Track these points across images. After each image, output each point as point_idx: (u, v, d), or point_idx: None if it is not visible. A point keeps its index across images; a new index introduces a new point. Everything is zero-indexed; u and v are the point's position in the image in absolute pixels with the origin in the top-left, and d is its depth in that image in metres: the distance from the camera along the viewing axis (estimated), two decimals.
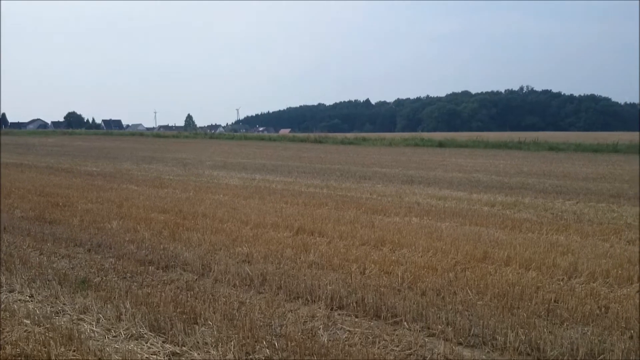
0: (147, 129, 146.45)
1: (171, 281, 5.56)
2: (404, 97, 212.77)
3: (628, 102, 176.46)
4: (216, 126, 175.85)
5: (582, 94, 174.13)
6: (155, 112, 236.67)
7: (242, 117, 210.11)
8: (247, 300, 4.95)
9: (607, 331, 4.22)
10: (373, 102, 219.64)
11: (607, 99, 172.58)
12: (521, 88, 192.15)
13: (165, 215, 9.13)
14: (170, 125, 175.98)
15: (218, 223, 8.37)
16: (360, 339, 4.12)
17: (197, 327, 4.31)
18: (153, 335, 4.20)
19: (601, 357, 3.79)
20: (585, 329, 4.28)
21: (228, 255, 6.48)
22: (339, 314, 4.67)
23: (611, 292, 5.23)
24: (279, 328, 4.28)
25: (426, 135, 53.90)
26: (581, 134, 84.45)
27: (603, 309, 4.71)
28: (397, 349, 3.97)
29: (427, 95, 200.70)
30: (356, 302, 4.81)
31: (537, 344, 3.95)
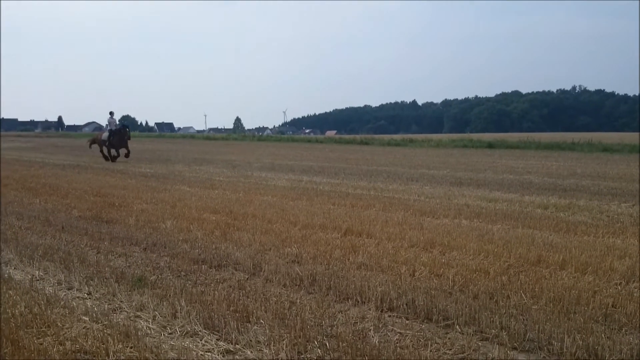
0: (198, 131, 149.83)
1: (223, 280, 5.67)
2: (451, 97, 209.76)
3: None
4: (264, 128, 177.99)
5: (637, 94, 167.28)
6: (205, 115, 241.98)
7: (288, 119, 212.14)
8: (298, 300, 5.00)
9: None
10: (420, 103, 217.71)
11: None
12: (573, 88, 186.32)
13: (216, 215, 9.32)
14: (219, 127, 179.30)
15: (267, 224, 8.48)
16: (411, 341, 4.09)
17: (249, 325, 4.38)
18: (207, 332, 4.30)
19: None
20: None
21: (278, 256, 6.55)
22: (389, 316, 4.65)
23: None
24: (329, 328, 4.30)
25: (475, 136, 52.90)
26: (636, 134, 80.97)
27: None
28: (450, 352, 3.93)
29: (476, 96, 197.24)
30: (406, 304, 4.79)
31: (595, 349, 3.83)
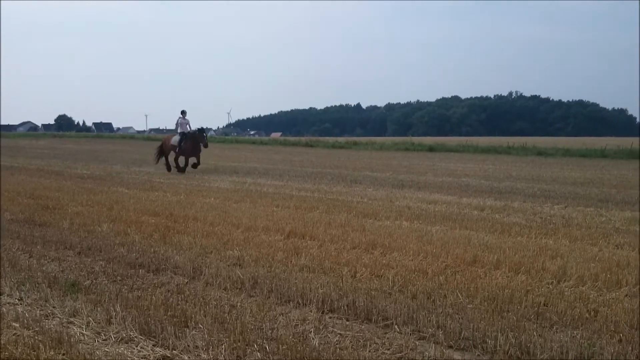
0: (138, 132, 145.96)
1: (162, 284, 5.55)
2: (394, 101, 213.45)
3: (616, 108, 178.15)
4: (207, 129, 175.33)
5: (571, 100, 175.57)
6: (146, 115, 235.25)
7: (233, 120, 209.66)
8: (238, 304, 4.95)
9: (596, 335, 4.25)
10: (364, 106, 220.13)
11: (595, 105, 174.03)
12: (510, 93, 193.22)
13: (155, 218, 9.11)
14: (161, 128, 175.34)
15: (209, 226, 8.36)
16: (351, 342, 4.13)
17: (187, 330, 4.30)
18: (143, 338, 4.19)
19: None
20: (575, 332, 4.31)
21: (219, 259, 6.47)
22: (330, 318, 4.68)
23: (600, 295, 5.27)
24: (270, 331, 4.28)
25: (416, 139, 54.04)
26: (569, 139, 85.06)
27: (592, 313, 4.74)
28: (388, 352, 3.99)
29: (418, 100, 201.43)
30: (347, 306, 4.83)
31: (527, 347, 3.98)
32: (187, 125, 19.15)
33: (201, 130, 18.95)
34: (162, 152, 19.48)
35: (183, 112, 19.31)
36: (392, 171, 20.57)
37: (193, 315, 4.55)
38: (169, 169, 19.09)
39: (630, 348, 3.97)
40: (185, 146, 18.60)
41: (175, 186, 14.20)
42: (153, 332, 4.26)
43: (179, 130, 19.04)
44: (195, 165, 18.95)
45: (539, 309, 4.79)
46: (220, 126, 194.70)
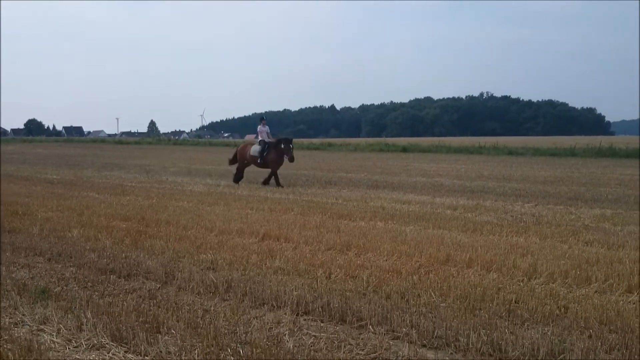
0: (109, 135, 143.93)
1: (133, 290, 5.46)
2: (368, 102, 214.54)
3: (585, 107, 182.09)
4: (180, 132, 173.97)
5: (540, 100, 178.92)
6: (117, 119, 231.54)
7: (206, 123, 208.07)
8: (212, 308, 4.91)
9: (566, 331, 4.32)
10: (338, 107, 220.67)
11: (565, 104, 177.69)
12: (481, 94, 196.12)
13: (127, 223, 8.97)
14: (132, 131, 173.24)
15: (182, 230, 8.28)
16: (325, 343, 4.12)
17: (159, 336, 4.24)
18: (115, 345, 4.12)
19: (561, 356, 3.87)
20: (546, 329, 4.38)
21: (192, 263, 6.40)
22: (305, 320, 4.67)
23: (570, 292, 5.36)
24: (244, 335, 4.25)
25: (390, 140, 54.53)
26: (539, 138, 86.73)
27: (562, 309, 4.81)
28: (363, 352, 3.99)
29: (391, 101, 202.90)
30: (322, 307, 4.82)
31: (499, 344, 4.03)
32: (267, 134, 16.48)
33: (287, 141, 15.83)
34: (236, 162, 16.97)
35: (262, 119, 16.94)
36: (367, 172, 20.66)
37: (165, 321, 4.50)
38: (238, 179, 16.42)
39: (600, 344, 4.04)
40: (270, 158, 15.83)
41: (147, 190, 14.01)
42: (124, 339, 4.19)
43: (259, 139, 16.44)
44: (267, 181, 16.00)
45: (510, 306, 4.85)
46: (193, 129, 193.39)
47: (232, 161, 17.23)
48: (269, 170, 16.02)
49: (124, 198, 12.29)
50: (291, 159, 15.57)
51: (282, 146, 15.64)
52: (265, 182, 15.86)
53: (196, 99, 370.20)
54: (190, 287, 5.52)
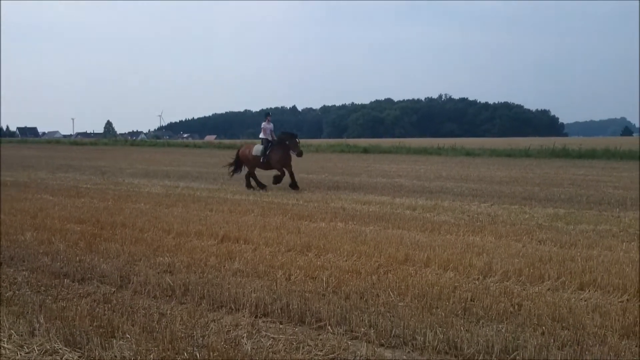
0: (64, 136, 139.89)
1: (87, 294, 5.33)
2: (329, 104, 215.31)
3: (539, 109, 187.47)
4: (138, 133, 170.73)
5: (497, 102, 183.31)
6: (72, 119, 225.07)
7: (165, 123, 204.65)
8: (168, 312, 4.82)
9: (520, 328, 4.41)
10: (300, 108, 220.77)
11: (520, 106, 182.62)
12: (440, 96, 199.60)
13: (81, 225, 8.74)
14: (88, 132, 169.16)
15: (138, 233, 8.12)
16: (284, 345, 4.11)
17: (114, 340, 4.14)
18: (68, 350, 4.01)
19: (515, 353, 3.94)
20: (500, 326, 4.47)
21: (148, 266, 6.29)
22: (264, 322, 4.64)
23: (524, 290, 5.49)
24: (201, 339, 4.19)
25: (351, 141, 54.85)
26: (496, 139, 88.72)
27: (516, 307, 4.92)
28: (321, 353, 3.99)
29: (352, 103, 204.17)
30: (281, 309, 4.80)
31: (455, 342, 4.09)
32: (271, 132, 15.19)
33: (292, 137, 14.85)
34: (239, 165, 15.59)
35: (267, 115, 15.54)
36: (328, 173, 20.73)
37: (120, 325, 4.40)
38: (249, 185, 14.99)
39: (552, 340, 4.14)
40: (273, 156, 14.66)
41: (102, 192, 13.69)
42: (78, 344, 4.08)
43: (261, 136, 15.26)
44: (279, 179, 14.76)
45: (466, 304, 4.94)
46: (152, 129, 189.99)
47: (236, 169, 15.60)
48: (269, 171, 15.24)
49: (79, 200, 11.98)
50: (299, 154, 14.63)
51: (288, 142, 14.63)
52: (293, 185, 14.51)
53: (154, 99, 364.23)
54: (147, 290, 5.41)
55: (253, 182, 15.00)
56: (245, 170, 15.47)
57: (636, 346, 4.07)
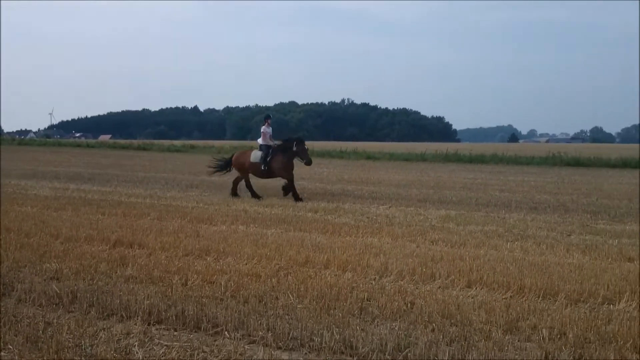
0: None
1: None
2: (233, 105, 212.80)
3: (434, 116, 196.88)
4: (26, 132, 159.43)
5: (396, 108, 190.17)
6: None
7: (56, 121, 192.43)
8: (55, 321, 4.54)
9: (412, 325, 4.60)
10: (202, 109, 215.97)
11: (417, 113, 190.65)
12: (343, 100, 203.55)
13: None
14: None
15: (24, 237, 7.58)
16: (178, 352, 3.99)
17: None
18: None
19: (407, 350, 4.08)
20: (394, 324, 4.63)
21: (34, 273, 5.89)
22: (157, 329, 4.49)
23: (416, 288, 5.72)
24: (89, 348, 3.98)
25: (256, 143, 54.41)
26: (394, 144, 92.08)
27: (409, 305, 5.11)
28: (217, 359, 3.92)
29: (257, 104, 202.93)
30: (176, 315, 4.66)
31: (351, 341, 4.18)
32: (270, 136, 13.83)
33: (300, 142, 13.45)
34: (225, 167, 14.43)
35: (267, 118, 14.30)
36: (230, 175, 20.42)
37: (2, 336, 4.14)
38: (254, 195, 13.45)
39: (441, 336, 4.34)
40: (275, 164, 13.32)
41: None
42: None
43: (260, 142, 13.88)
44: (288, 189, 13.36)
45: (363, 304, 5.07)
46: (41, 128, 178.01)
47: (221, 169, 14.44)
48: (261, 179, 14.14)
49: None
50: (308, 162, 13.42)
51: (295, 149, 13.24)
52: (297, 198, 12.95)
53: (44, 96, 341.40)
54: (31, 298, 5.08)
55: (238, 190, 13.74)
56: (231, 174, 14.36)
57: (518, 340, 4.36)
